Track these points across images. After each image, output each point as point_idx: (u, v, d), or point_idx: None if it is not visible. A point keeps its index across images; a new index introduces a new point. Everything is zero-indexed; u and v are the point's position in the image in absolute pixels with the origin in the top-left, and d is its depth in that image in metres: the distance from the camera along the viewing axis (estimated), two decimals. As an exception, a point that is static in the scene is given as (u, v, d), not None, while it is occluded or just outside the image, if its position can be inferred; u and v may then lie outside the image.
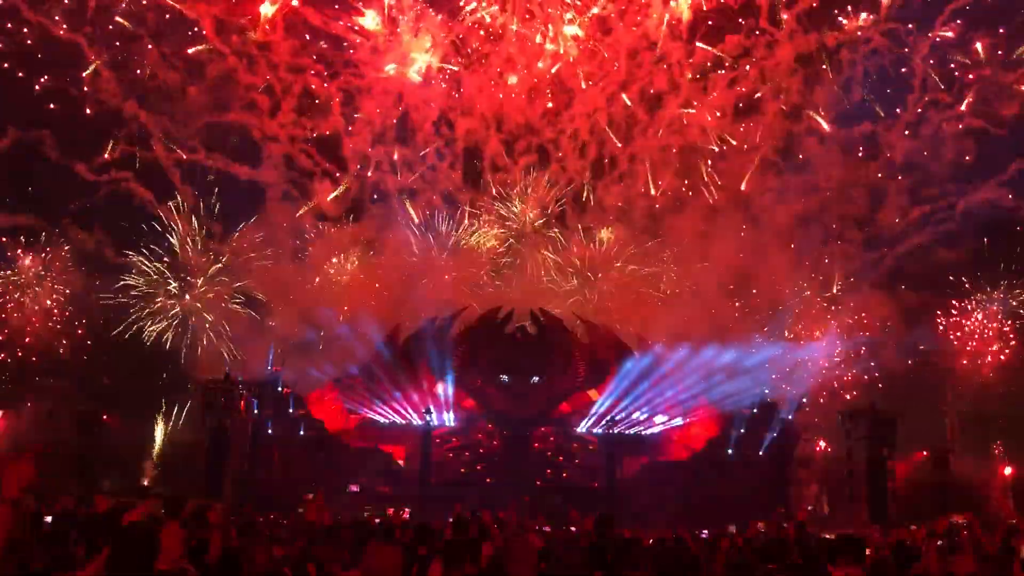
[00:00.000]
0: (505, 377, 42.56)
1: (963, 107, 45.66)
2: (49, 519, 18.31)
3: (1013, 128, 44.89)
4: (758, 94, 46.69)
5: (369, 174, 47.42)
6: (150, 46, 44.78)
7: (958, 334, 46.69)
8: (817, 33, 45.83)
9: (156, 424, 42.62)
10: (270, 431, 39.45)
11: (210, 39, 44.65)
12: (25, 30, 43.02)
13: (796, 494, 39.02)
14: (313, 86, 46.26)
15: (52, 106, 43.79)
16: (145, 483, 40.51)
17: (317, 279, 47.61)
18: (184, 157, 45.50)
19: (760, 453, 40.08)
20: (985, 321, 46.78)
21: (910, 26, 45.63)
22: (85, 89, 43.96)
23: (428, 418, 40.94)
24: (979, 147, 45.17)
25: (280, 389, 39.90)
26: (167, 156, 45.19)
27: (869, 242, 46.94)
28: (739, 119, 47.09)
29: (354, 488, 36.91)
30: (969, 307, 47.10)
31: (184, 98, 45.35)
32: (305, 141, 46.49)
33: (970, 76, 45.79)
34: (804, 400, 40.15)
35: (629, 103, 46.82)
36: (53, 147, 43.27)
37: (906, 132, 46.24)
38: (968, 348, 46.42)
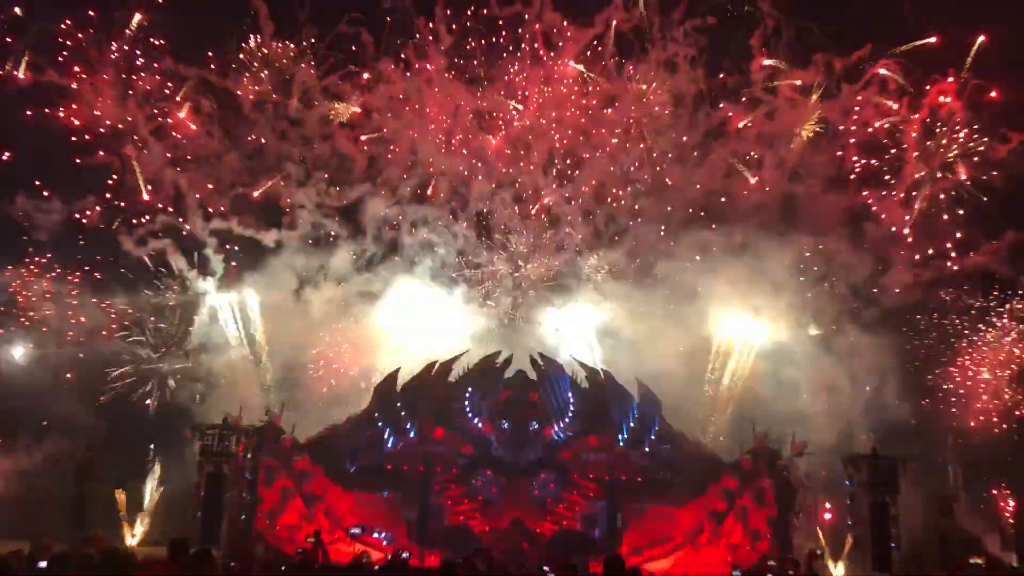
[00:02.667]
0: (504, 423, 42.27)
1: (958, 177, 47.20)
2: (43, 564, 18.19)
3: (1004, 198, 46.31)
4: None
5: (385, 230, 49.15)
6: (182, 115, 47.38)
7: (958, 379, 46.84)
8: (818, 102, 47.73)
9: (152, 471, 42.24)
10: (268, 477, 39.04)
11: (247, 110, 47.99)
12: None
13: (798, 541, 38.55)
14: (341, 153, 49.28)
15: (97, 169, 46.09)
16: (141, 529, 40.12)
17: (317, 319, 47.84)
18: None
19: (761, 499, 39.71)
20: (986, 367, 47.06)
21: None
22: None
23: (426, 465, 40.66)
24: (974, 214, 46.76)
25: (279, 435, 39.58)
26: (203, 226, 47.39)
27: (867, 298, 47.71)
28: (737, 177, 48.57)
29: (356, 531, 36.52)
30: (969, 355, 47.36)
31: (220, 167, 47.76)
32: (331, 207, 48.99)
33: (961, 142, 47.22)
34: (805, 446, 39.83)
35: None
36: (96, 217, 45.97)
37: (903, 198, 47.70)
38: (969, 394, 46.54)
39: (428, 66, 48.54)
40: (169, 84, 47.09)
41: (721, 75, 48.68)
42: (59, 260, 45.96)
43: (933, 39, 46.33)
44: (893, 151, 47.90)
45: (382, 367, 44.02)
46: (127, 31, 45.85)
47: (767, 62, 48.16)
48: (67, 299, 45.26)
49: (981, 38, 46.08)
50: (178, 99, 46.77)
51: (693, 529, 40.49)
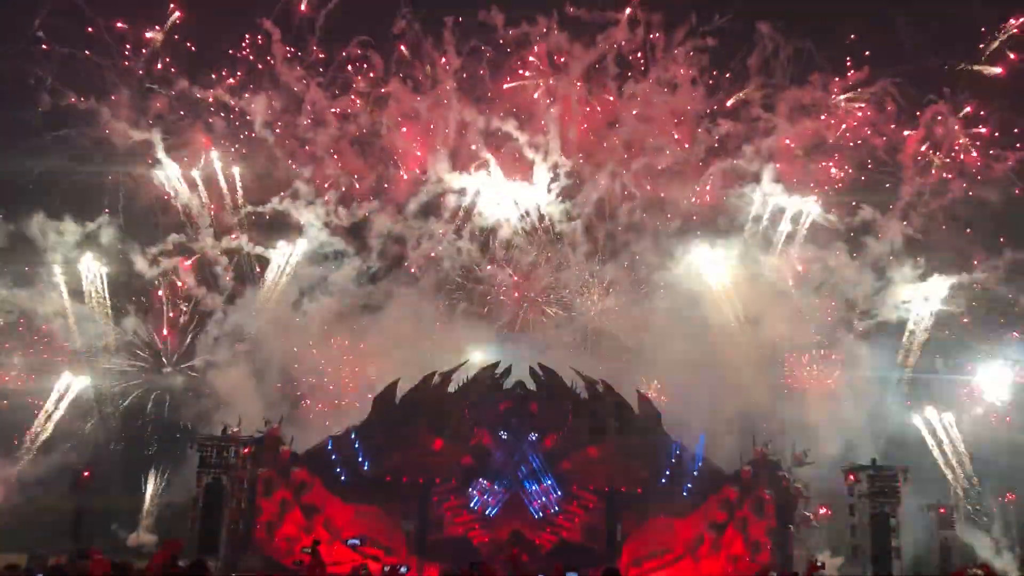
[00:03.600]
0: (504, 434, 42.21)
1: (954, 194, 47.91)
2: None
3: (1000, 215, 46.90)
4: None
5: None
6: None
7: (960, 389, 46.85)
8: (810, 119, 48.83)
9: (149, 481, 42.32)
10: (267, 488, 38.95)
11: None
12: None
13: (799, 552, 38.36)
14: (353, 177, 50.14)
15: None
16: (139, 541, 40.11)
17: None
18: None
19: (761, 510, 39.56)
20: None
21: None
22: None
23: (425, 476, 40.56)
24: (973, 231, 47.36)
25: (277, 445, 39.52)
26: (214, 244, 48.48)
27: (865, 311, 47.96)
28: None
29: (354, 541, 36.58)
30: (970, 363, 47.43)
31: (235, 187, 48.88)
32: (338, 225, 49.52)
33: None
34: (806, 455, 39.73)
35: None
36: (110, 235, 46.54)
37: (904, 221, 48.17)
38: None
39: (423, 81, 49.49)
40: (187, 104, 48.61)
41: (720, 93, 49.76)
42: (73, 278, 46.48)
43: (999, 70, 47.22)
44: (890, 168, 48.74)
45: (382, 378, 43.94)
46: (148, 45, 47.32)
47: (729, 103, 49.64)
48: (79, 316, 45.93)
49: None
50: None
51: (693, 540, 40.38)
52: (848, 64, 48.27)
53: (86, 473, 40.60)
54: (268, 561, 36.60)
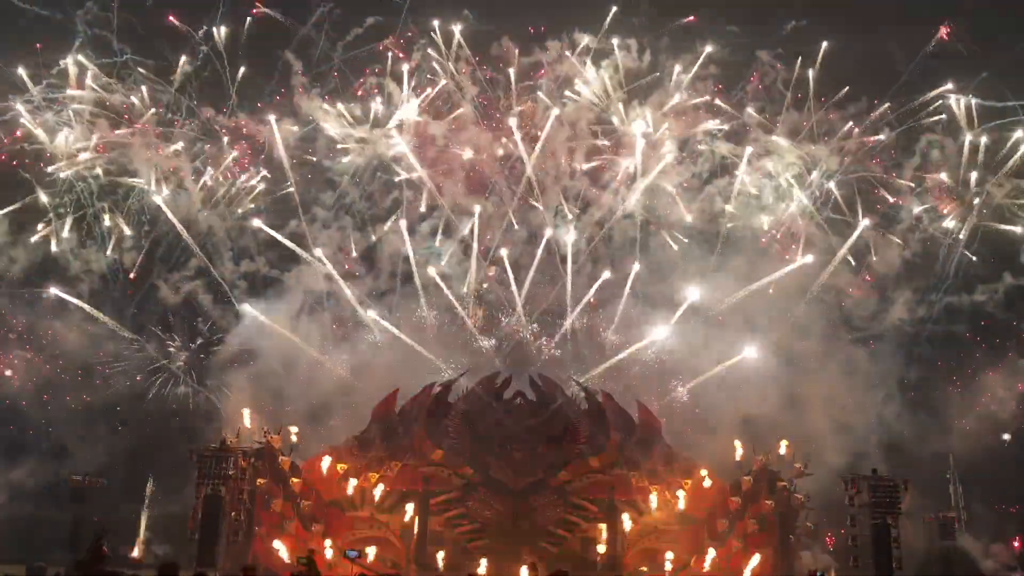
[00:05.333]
0: (504, 444, 42.07)
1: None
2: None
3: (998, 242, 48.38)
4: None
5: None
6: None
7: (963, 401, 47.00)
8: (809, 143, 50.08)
9: (149, 492, 42.24)
10: (266, 499, 38.81)
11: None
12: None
13: (800, 563, 38.27)
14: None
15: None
16: (136, 554, 39.96)
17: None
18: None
19: (762, 521, 39.45)
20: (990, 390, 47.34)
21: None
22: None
23: (425, 486, 40.40)
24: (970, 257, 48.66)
25: (276, 456, 39.39)
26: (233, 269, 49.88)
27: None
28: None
29: (353, 553, 36.50)
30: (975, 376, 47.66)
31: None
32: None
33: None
34: (806, 466, 39.67)
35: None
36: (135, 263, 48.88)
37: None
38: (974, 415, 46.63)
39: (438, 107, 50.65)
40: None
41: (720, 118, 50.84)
42: (95, 303, 47.59)
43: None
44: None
45: (382, 388, 43.90)
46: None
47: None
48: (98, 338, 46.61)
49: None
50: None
51: (694, 550, 40.28)
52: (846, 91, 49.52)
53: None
54: (267, 572, 36.39)
